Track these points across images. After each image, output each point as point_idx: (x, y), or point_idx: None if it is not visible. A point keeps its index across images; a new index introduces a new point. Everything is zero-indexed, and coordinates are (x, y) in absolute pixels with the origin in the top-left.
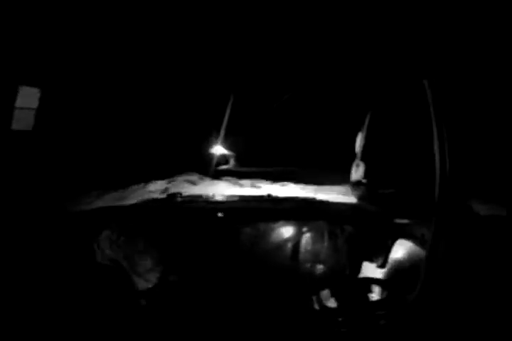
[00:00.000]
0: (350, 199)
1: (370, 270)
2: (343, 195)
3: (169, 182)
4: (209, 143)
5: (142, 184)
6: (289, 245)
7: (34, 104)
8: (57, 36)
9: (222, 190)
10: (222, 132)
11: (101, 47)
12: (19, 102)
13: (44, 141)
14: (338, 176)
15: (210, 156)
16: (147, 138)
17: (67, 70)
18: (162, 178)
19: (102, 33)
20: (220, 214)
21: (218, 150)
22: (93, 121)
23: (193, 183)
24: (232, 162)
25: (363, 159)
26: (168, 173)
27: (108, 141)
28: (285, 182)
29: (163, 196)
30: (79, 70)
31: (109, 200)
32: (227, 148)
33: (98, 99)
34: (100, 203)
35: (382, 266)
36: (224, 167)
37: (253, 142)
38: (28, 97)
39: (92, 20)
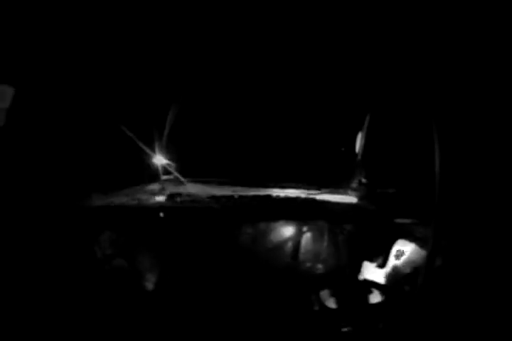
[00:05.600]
0: (351, 199)
1: (370, 270)
2: (343, 195)
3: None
4: (150, 152)
5: None
6: (289, 245)
7: (5, 103)
8: (34, 33)
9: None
10: (164, 140)
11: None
12: None
13: (14, 141)
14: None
15: (153, 166)
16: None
17: (45, 68)
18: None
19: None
20: (161, 214)
21: (159, 160)
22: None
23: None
24: (173, 173)
25: (363, 159)
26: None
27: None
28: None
29: (164, 196)
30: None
31: None
32: (167, 157)
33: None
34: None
35: (382, 266)
36: (166, 177)
37: (197, 150)
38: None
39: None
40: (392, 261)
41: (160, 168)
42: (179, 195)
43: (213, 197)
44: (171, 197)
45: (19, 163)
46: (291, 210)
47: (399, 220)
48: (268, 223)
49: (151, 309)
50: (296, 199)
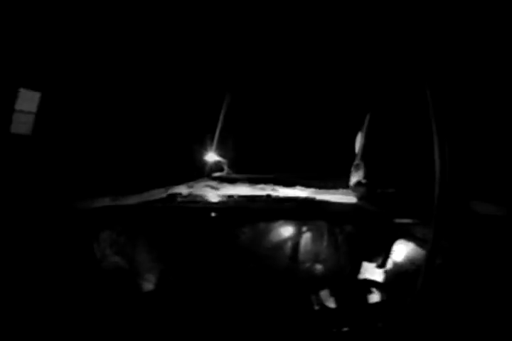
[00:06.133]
0: (350, 199)
1: (370, 270)
2: (344, 195)
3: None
4: (202, 150)
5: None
6: (289, 245)
7: (33, 107)
8: (58, 38)
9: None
10: (216, 138)
11: (100, 51)
12: (20, 105)
13: (44, 145)
14: (340, 179)
15: (204, 163)
16: (138, 144)
17: (68, 74)
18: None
19: (101, 36)
20: (213, 214)
21: (211, 157)
22: (86, 128)
23: (214, 188)
24: (225, 169)
25: (362, 159)
26: (160, 182)
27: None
28: (297, 187)
29: (163, 196)
30: (80, 74)
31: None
32: (220, 154)
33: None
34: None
35: (381, 266)
36: (218, 174)
37: (246, 148)
38: (29, 101)
39: (90, 23)
40: (391, 261)
41: (211, 165)
42: (179, 195)
43: (211, 198)
44: (171, 197)
45: (52, 164)
46: (290, 210)
47: (398, 220)
48: (267, 223)
49: (151, 309)
50: (296, 199)
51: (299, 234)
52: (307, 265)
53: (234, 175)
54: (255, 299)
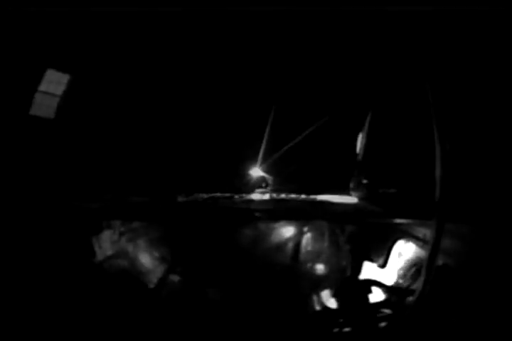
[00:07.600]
0: (352, 199)
1: (371, 270)
2: (344, 195)
3: None
4: (245, 164)
5: None
6: (290, 245)
7: (59, 90)
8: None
9: None
10: (261, 153)
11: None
12: (45, 87)
13: (67, 132)
14: None
15: (247, 178)
16: (172, 147)
17: (104, 57)
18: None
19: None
20: (257, 214)
21: (256, 171)
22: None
23: None
24: (270, 186)
25: (364, 159)
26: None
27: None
28: None
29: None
30: (117, 59)
31: None
32: (265, 170)
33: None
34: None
35: (383, 266)
36: (260, 190)
37: (292, 164)
38: (55, 83)
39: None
40: (393, 261)
41: (255, 181)
42: (180, 194)
43: (212, 198)
44: (172, 197)
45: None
46: (291, 210)
47: (400, 220)
48: (268, 223)
49: (152, 308)
50: (297, 199)
51: (300, 234)
52: (308, 265)
53: (281, 195)
54: (257, 299)
